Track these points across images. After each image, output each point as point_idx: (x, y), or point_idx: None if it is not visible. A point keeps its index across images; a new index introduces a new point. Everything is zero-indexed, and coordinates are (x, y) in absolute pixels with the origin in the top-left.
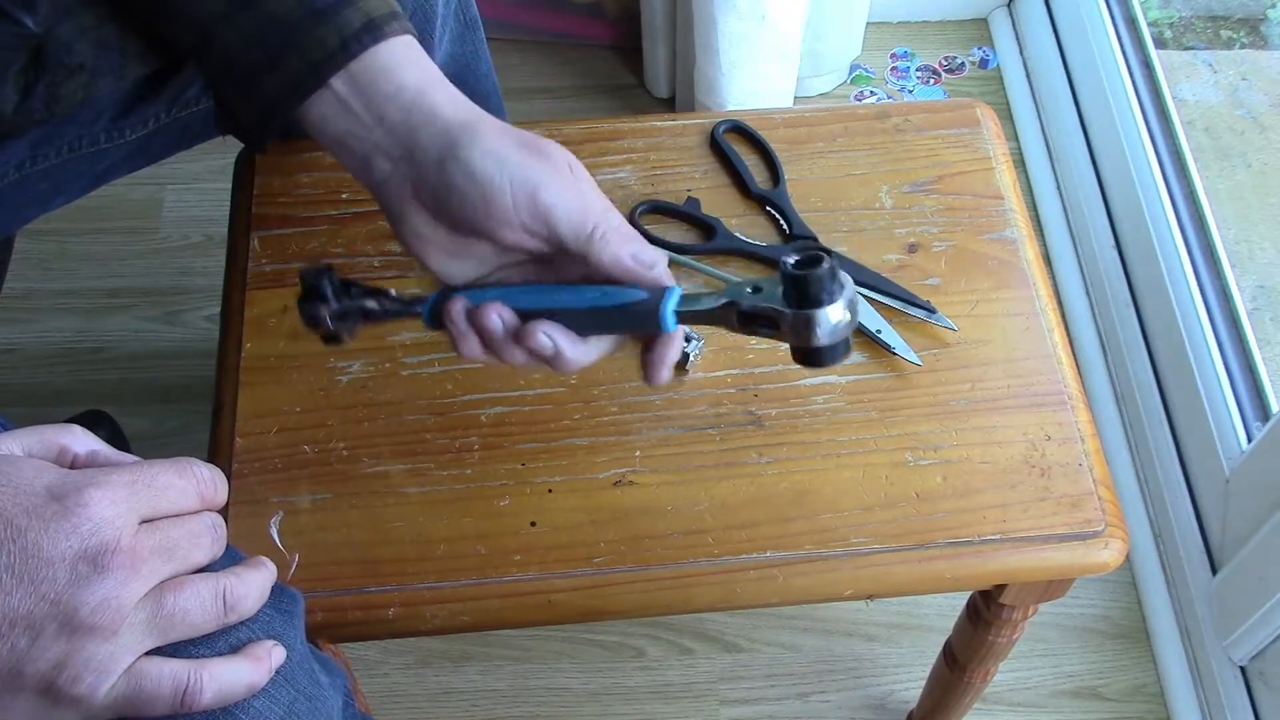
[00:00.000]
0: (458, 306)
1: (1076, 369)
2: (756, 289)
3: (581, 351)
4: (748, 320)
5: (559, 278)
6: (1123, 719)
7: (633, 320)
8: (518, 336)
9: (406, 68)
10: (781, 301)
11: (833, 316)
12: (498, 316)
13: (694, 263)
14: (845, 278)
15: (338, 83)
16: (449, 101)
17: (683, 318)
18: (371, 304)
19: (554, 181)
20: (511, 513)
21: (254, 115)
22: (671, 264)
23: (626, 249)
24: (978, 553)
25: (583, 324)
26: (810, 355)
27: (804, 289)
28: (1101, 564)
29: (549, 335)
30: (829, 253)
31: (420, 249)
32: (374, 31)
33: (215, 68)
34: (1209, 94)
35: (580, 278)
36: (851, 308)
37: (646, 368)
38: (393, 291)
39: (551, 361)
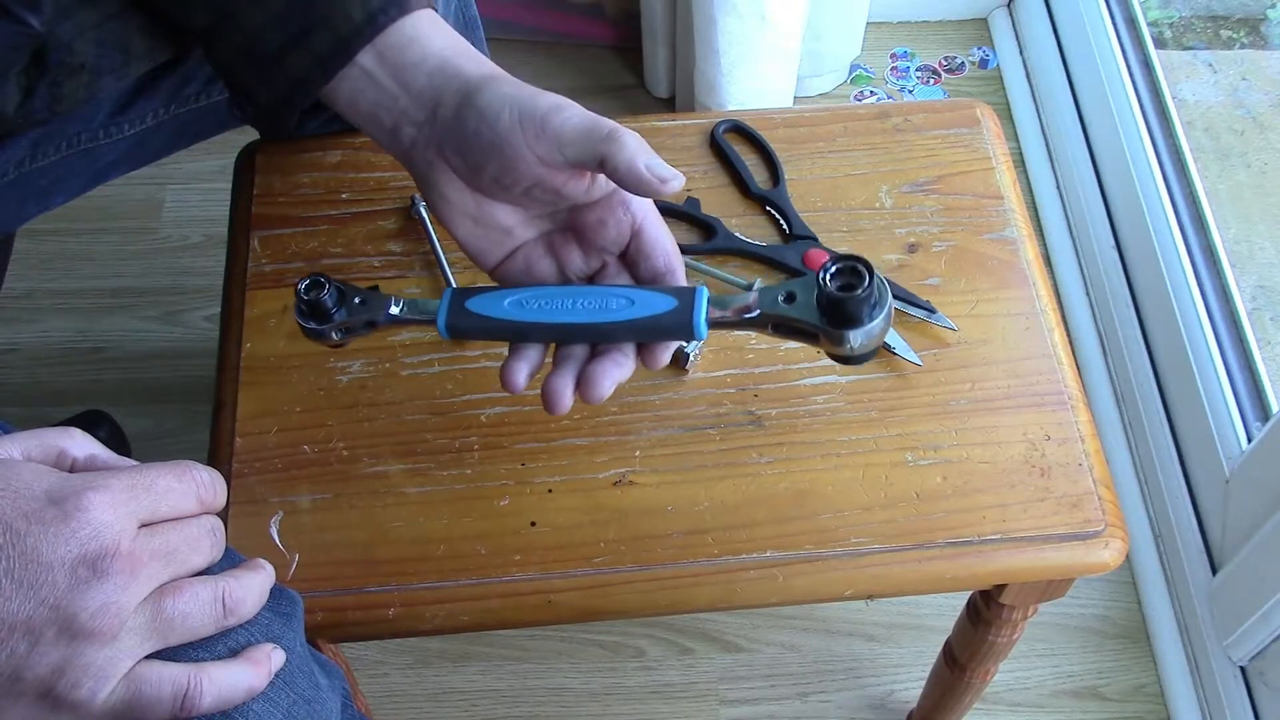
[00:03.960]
0: (520, 380)
1: (1076, 369)
2: (790, 297)
3: (629, 369)
4: (781, 329)
5: (584, 247)
6: (1123, 719)
7: (664, 329)
8: (582, 388)
9: (432, 38)
10: (817, 315)
11: (870, 331)
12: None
13: (694, 263)
14: (884, 290)
15: (365, 57)
16: (473, 62)
17: (714, 324)
18: (379, 316)
19: (564, 108)
20: (511, 513)
21: (277, 97)
22: None
23: (642, 158)
24: (978, 553)
25: (614, 335)
26: (843, 359)
27: (841, 310)
28: (1101, 564)
29: (610, 381)
30: (868, 265)
31: (448, 215)
32: (400, 4)
33: (235, 51)
34: (1209, 94)
35: (600, 249)
36: (888, 317)
37: (646, 356)
38: (394, 299)
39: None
